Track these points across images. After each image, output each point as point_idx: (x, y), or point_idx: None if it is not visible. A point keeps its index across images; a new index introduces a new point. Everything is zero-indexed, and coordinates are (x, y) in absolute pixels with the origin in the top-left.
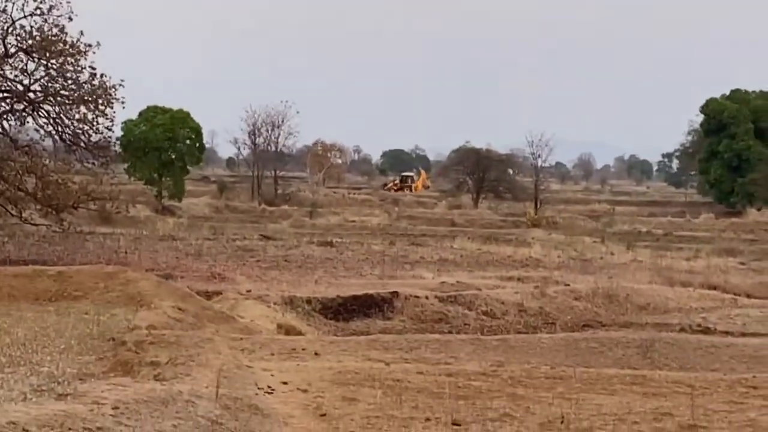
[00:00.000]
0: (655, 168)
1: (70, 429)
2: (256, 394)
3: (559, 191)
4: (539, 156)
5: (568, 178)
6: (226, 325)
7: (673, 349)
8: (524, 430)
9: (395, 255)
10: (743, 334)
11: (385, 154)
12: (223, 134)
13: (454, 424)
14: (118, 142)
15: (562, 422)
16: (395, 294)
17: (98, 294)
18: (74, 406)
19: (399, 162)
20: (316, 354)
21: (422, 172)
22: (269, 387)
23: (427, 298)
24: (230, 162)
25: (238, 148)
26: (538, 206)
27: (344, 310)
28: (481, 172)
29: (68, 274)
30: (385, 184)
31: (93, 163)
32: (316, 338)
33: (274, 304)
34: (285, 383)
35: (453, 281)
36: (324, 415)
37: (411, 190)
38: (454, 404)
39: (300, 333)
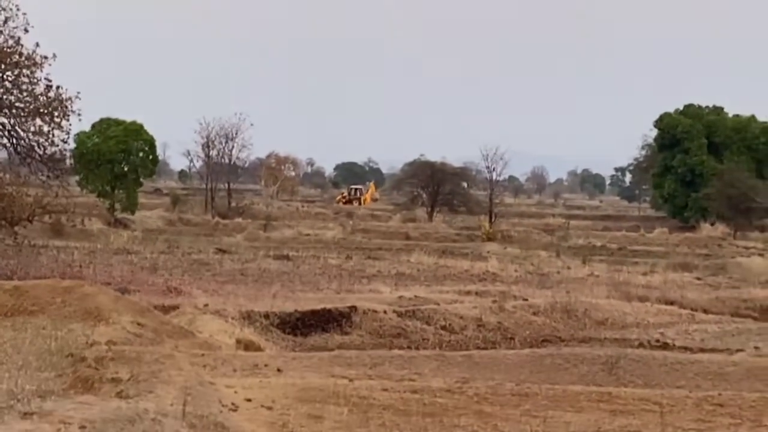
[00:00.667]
0: (607, 182)
1: None
2: (221, 411)
3: (513, 205)
4: (494, 169)
5: (521, 192)
6: (185, 340)
7: (638, 365)
8: None
9: (352, 269)
10: (702, 350)
11: (338, 167)
12: (176, 146)
13: None
14: (71, 155)
15: None
16: (353, 308)
17: (55, 309)
18: (41, 426)
19: (352, 175)
20: (278, 370)
21: (371, 184)
22: (233, 404)
23: (385, 312)
24: (183, 174)
25: (191, 161)
26: (493, 220)
27: (302, 325)
28: (435, 186)
29: (24, 289)
30: (334, 197)
31: (48, 176)
32: (278, 354)
33: (232, 318)
34: (249, 400)
35: (411, 295)
36: None
37: (360, 203)
38: (421, 422)
39: (259, 348)
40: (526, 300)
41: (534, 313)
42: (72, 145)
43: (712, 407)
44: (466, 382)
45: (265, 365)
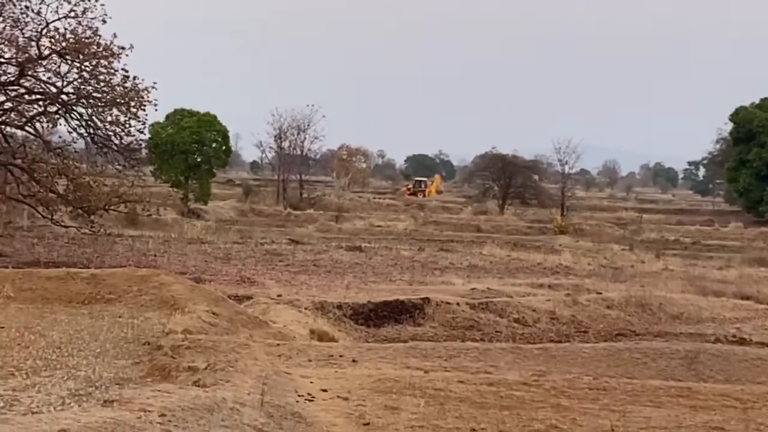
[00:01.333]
0: (680, 176)
1: None
2: (297, 401)
3: (585, 198)
4: (566, 162)
5: (592, 185)
6: (259, 330)
7: (718, 360)
8: None
9: (424, 261)
10: None
11: (408, 159)
12: (248, 137)
13: None
14: (147, 145)
15: None
16: (426, 300)
17: (131, 297)
18: (122, 413)
19: (422, 167)
20: (353, 361)
21: (437, 177)
22: (309, 394)
23: (458, 304)
24: (254, 165)
25: (262, 152)
26: (565, 213)
27: (375, 316)
28: (507, 178)
29: (101, 277)
30: (396, 190)
31: (124, 166)
32: (353, 345)
33: (305, 309)
34: (324, 390)
35: (483, 288)
36: (367, 424)
37: (424, 195)
38: (498, 415)
39: (333, 339)
40: (600, 293)
41: (608, 307)
42: (147, 135)
43: None
44: (542, 375)
45: (340, 356)
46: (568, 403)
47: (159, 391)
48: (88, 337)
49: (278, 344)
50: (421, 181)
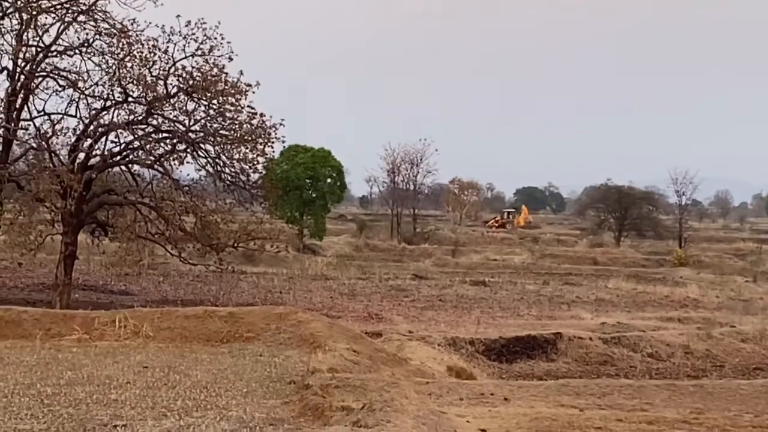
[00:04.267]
0: None
1: None
2: None
3: (700, 229)
4: (683, 193)
5: (705, 216)
6: (399, 367)
7: None
8: None
9: (550, 295)
10: None
11: (518, 192)
12: (356, 172)
13: None
14: (270, 180)
15: None
16: (558, 335)
17: (270, 335)
18: None
19: (532, 199)
20: (505, 399)
21: (524, 208)
22: None
23: (590, 339)
24: (363, 200)
25: (371, 186)
26: (683, 245)
27: (507, 352)
28: (622, 210)
29: (239, 315)
30: (487, 221)
31: (251, 203)
32: (503, 383)
33: (438, 345)
34: (483, 430)
35: (613, 322)
36: None
37: (513, 226)
38: None
39: (471, 376)
40: (734, 327)
41: (742, 340)
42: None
43: None
44: (701, 413)
45: (491, 394)
46: None
47: None
48: (233, 377)
49: (427, 382)
50: (509, 212)
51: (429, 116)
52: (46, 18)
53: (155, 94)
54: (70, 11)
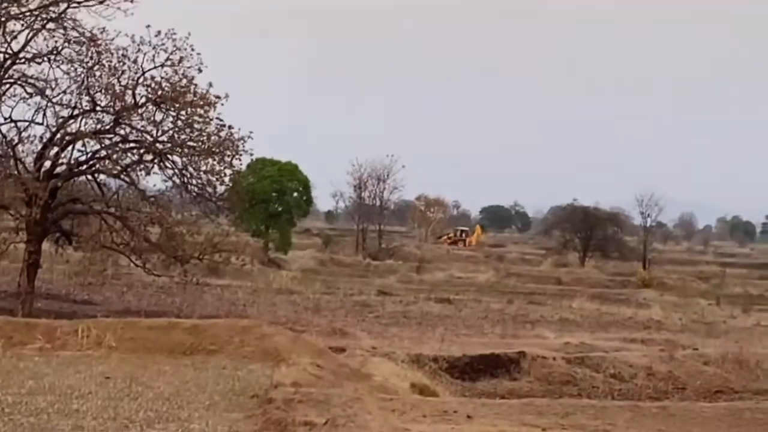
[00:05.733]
0: (758, 229)
1: None
2: None
3: (664, 251)
4: (648, 215)
5: (669, 238)
6: (363, 383)
7: None
8: None
9: (515, 313)
10: None
11: (483, 210)
12: (321, 186)
13: None
14: (236, 192)
15: None
16: (522, 354)
17: (233, 348)
18: None
19: (498, 218)
20: (468, 417)
21: (477, 227)
22: None
23: (554, 359)
24: (329, 215)
25: (337, 201)
26: (647, 266)
27: (471, 370)
28: (588, 231)
29: (203, 327)
30: (440, 237)
31: (217, 215)
32: (466, 400)
33: (402, 362)
34: None
35: (577, 342)
36: None
37: (465, 244)
38: None
39: (434, 393)
40: (696, 349)
41: (705, 363)
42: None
43: None
44: None
45: (455, 411)
46: None
47: None
48: (195, 389)
49: (391, 399)
50: (462, 230)
51: (396, 132)
52: (14, 25)
53: (123, 103)
54: (39, 18)
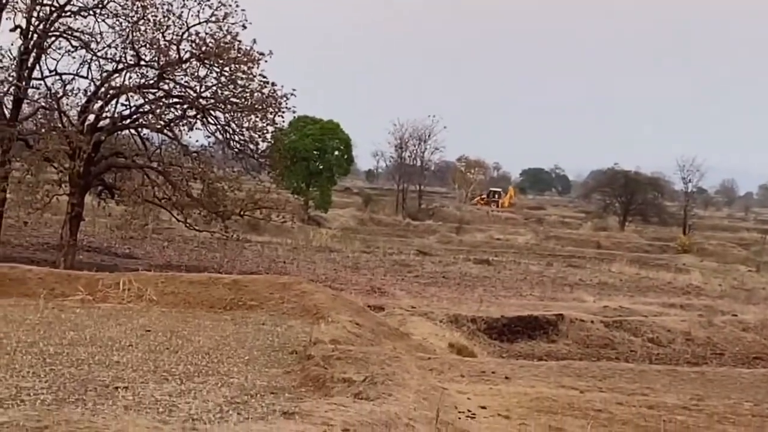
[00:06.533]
0: None
1: None
2: (459, 418)
3: (705, 217)
4: (689, 181)
5: (710, 204)
6: (401, 342)
7: None
8: None
9: (554, 276)
10: None
11: (524, 172)
12: (362, 146)
13: None
14: (278, 150)
15: None
16: (560, 317)
17: (273, 304)
18: (307, 427)
19: (538, 180)
20: (506, 378)
21: (510, 189)
22: (470, 411)
23: (592, 322)
24: (370, 174)
25: (377, 161)
26: (687, 232)
27: (508, 331)
28: (628, 195)
29: (243, 283)
30: (473, 198)
31: (258, 172)
32: (504, 361)
33: (440, 321)
34: (483, 408)
35: (615, 306)
36: None
37: (497, 206)
38: None
39: (472, 353)
40: (736, 315)
41: (744, 329)
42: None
43: None
44: (701, 399)
45: (492, 372)
46: (733, 429)
47: (336, 404)
48: (235, 344)
49: (429, 358)
50: (495, 191)
51: (438, 93)
52: None
53: (167, 58)
54: None
